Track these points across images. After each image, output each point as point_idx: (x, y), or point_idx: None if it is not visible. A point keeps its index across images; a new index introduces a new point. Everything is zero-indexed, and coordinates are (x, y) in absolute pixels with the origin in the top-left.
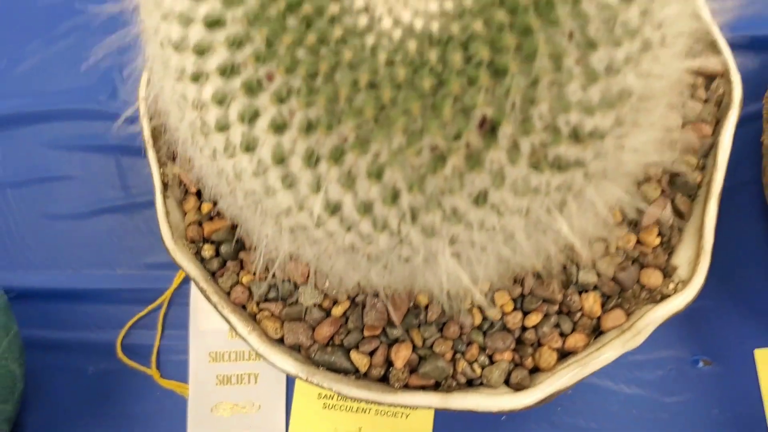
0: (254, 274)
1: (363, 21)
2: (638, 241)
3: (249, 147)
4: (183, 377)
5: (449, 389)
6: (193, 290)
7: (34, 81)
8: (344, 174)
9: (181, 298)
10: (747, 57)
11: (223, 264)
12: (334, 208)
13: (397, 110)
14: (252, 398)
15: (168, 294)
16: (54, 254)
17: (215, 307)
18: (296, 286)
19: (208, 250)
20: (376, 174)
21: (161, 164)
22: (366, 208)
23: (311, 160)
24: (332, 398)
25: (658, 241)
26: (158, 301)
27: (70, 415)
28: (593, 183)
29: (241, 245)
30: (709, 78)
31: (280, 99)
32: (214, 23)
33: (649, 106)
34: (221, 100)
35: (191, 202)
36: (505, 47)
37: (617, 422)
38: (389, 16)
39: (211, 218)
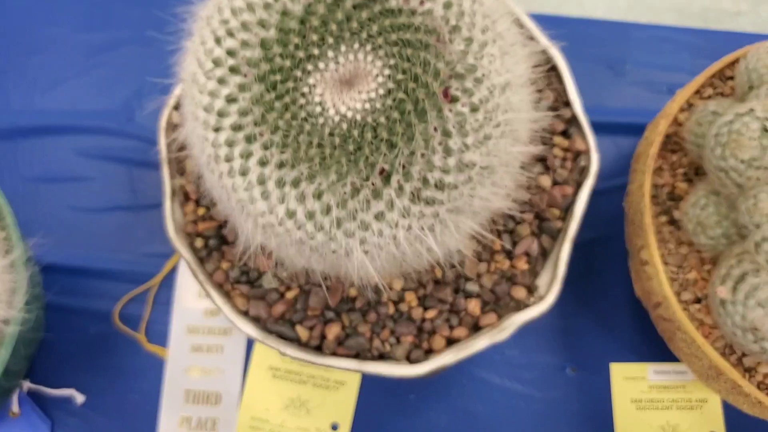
0: (231, 262)
1: (317, 109)
2: (511, 265)
3: (244, 173)
4: (164, 343)
5: (365, 359)
6: (179, 276)
7: (70, 100)
8: (299, 194)
9: (169, 281)
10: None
11: (210, 253)
12: (291, 214)
13: (332, 161)
14: (218, 365)
15: (159, 277)
16: (73, 239)
17: (201, 284)
18: (260, 274)
19: (199, 242)
20: (318, 196)
21: (171, 177)
22: (310, 216)
23: (280, 183)
24: (279, 370)
25: (526, 266)
26: (150, 282)
27: (73, 362)
28: (452, 216)
29: (223, 241)
30: (577, 153)
31: (265, 147)
32: (231, 100)
33: (490, 172)
34: (230, 144)
35: (190, 206)
36: (396, 132)
37: (498, 408)
38: (333, 108)
39: (204, 219)
